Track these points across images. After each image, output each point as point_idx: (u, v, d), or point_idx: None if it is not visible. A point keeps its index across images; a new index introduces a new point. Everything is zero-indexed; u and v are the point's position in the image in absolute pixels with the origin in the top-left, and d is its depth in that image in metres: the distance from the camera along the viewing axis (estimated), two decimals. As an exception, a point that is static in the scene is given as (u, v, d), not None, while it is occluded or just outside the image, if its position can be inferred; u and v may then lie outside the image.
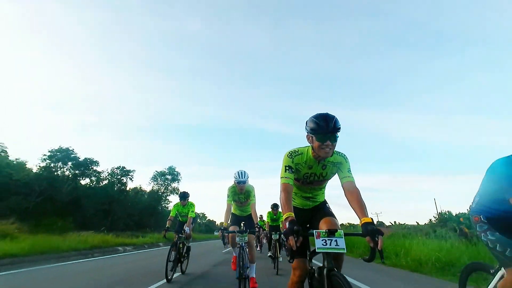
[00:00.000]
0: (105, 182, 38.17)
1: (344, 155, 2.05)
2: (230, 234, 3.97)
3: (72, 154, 33.67)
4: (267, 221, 8.45)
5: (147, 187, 44.17)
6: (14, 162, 28.05)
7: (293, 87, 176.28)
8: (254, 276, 4.05)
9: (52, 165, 32.50)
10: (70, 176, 34.19)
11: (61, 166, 33.39)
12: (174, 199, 43.76)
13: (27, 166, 29.44)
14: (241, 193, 4.18)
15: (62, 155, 32.97)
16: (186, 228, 5.29)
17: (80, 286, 4.51)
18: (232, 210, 4.45)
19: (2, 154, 27.38)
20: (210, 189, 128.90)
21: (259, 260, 5.91)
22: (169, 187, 44.46)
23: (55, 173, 32.71)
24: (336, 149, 1.98)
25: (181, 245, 5.30)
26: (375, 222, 2.37)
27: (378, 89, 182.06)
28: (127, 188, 40.12)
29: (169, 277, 4.62)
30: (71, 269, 6.31)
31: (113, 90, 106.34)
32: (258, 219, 8.42)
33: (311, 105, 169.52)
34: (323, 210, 2.26)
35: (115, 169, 39.22)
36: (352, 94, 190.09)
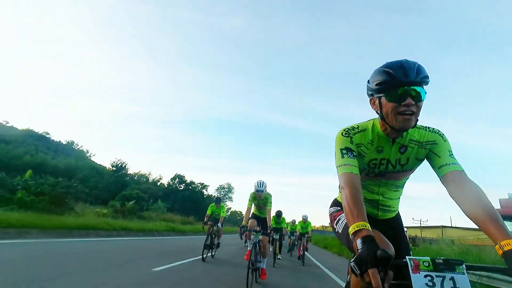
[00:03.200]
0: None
1: (439, 131, 1.28)
2: (247, 234, 5.03)
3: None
4: (272, 224, 9.38)
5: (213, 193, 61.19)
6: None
7: (324, 85, 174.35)
8: (265, 267, 4.88)
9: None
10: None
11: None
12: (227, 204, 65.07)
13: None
14: (260, 199, 5.04)
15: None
16: (219, 224, 7.06)
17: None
18: (253, 210, 5.38)
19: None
20: (237, 183, 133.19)
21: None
22: (226, 196, 63.94)
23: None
24: None
25: (213, 235, 7.10)
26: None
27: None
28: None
29: (204, 256, 6.47)
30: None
31: (153, 82, 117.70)
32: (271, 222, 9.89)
33: (344, 105, 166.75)
34: (397, 232, 1.48)
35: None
36: None
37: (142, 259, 5.85)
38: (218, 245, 7.42)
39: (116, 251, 7.08)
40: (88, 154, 47.96)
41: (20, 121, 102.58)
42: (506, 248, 0.83)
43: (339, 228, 1.37)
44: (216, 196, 7.98)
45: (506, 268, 0.81)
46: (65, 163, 41.11)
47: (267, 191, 5.04)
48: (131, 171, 43.73)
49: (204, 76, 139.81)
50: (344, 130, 1.29)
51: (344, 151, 1.21)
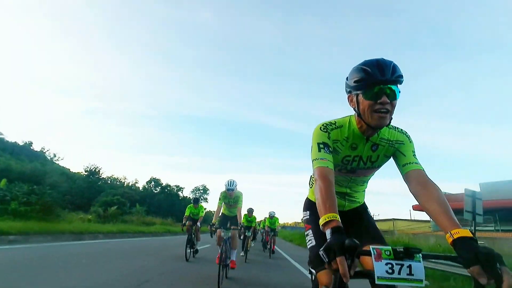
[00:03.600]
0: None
1: (406, 132, 1.37)
2: (217, 233, 4.76)
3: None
4: (243, 222, 9.57)
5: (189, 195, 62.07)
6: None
7: (300, 84, 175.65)
8: (234, 259, 5.09)
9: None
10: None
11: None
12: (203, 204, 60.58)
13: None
14: (230, 198, 5.13)
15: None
16: (198, 223, 7.18)
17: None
18: (222, 210, 5.43)
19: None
20: (212, 182, 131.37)
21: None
22: (201, 197, 65.57)
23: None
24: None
25: (193, 235, 7.04)
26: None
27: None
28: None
29: (187, 256, 6.42)
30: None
31: (120, 78, 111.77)
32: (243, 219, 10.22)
33: (317, 103, 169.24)
34: (365, 219, 1.59)
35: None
36: None
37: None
38: (196, 251, 7.24)
39: (127, 248, 8.57)
40: (56, 158, 46.06)
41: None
42: (455, 236, 0.89)
43: (308, 244, 1.49)
44: (193, 197, 8.61)
45: (456, 257, 0.88)
46: (31, 167, 39.52)
47: (237, 189, 5.11)
48: (104, 175, 43.17)
49: (176, 71, 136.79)
50: (322, 125, 1.31)
51: (321, 146, 1.24)
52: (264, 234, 12.65)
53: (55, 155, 46.25)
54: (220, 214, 5.32)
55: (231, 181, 4.99)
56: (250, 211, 10.17)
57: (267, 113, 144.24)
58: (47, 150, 46.34)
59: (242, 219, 7.30)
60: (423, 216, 26.92)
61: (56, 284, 3.52)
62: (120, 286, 3.66)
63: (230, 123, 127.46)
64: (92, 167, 40.27)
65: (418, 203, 1.16)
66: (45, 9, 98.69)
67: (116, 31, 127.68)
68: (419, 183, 1.19)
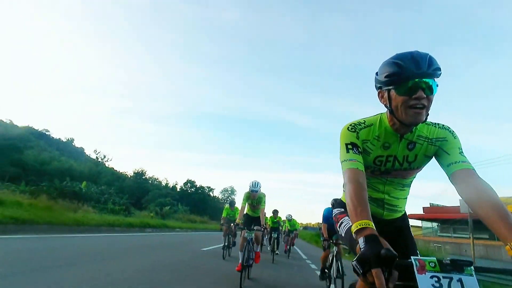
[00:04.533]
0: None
1: (449, 128, 1.22)
2: (242, 237, 4.61)
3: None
4: (269, 223, 10.21)
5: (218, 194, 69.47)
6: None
7: (325, 81, 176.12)
8: (259, 251, 5.12)
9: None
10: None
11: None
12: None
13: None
14: (254, 199, 5.04)
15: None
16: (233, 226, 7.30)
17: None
18: (246, 211, 5.37)
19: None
20: (234, 178, 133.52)
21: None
22: (229, 197, 69.21)
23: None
24: None
25: (230, 236, 7.28)
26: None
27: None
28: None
29: (224, 256, 6.84)
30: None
31: (147, 77, 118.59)
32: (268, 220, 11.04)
33: (341, 99, 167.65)
34: (405, 231, 1.44)
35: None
36: None
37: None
38: (234, 244, 7.63)
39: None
40: (105, 159, 53.06)
41: (18, 118, 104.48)
42: None
43: (342, 231, 1.35)
44: (229, 200, 9.87)
45: None
46: (88, 167, 46.16)
47: (261, 191, 5.09)
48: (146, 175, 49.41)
49: (200, 70, 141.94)
50: (350, 125, 1.24)
51: (350, 146, 1.17)
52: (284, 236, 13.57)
53: (105, 156, 53.04)
54: (243, 215, 5.32)
55: (255, 183, 4.94)
56: (275, 212, 10.30)
57: (290, 110, 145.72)
58: (99, 152, 53.08)
59: (265, 220, 6.90)
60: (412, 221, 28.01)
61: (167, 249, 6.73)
62: (154, 273, 4.06)
63: (254, 120, 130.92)
64: (140, 169, 47.03)
65: (471, 210, 1.01)
66: (75, 11, 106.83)
67: (142, 32, 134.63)
68: (469, 185, 1.01)
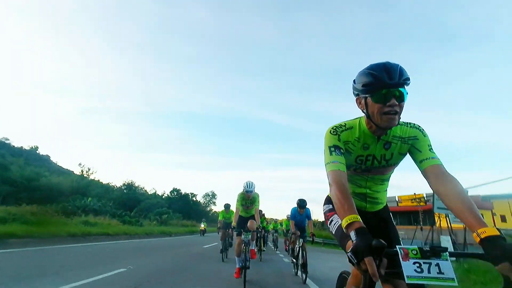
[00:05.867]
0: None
1: (419, 126, 1.37)
2: (237, 240, 4.71)
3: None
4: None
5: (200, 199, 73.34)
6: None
7: (298, 79, 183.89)
8: (254, 248, 5.43)
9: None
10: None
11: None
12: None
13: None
14: (248, 199, 5.18)
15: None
16: (230, 231, 7.68)
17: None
18: (239, 212, 5.33)
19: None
20: (212, 178, 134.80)
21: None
22: (210, 201, 78.16)
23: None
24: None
25: (227, 239, 7.80)
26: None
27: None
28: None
29: (223, 259, 7.32)
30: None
31: (116, 76, 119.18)
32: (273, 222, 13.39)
33: (315, 98, 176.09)
34: (387, 221, 1.58)
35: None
36: None
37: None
38: (231, 244, 7.98)
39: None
40: (90, 172, 55.31)
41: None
42: (482, 236, 0.90)
43: (333, 229, 1.50)
44: (224, 204, 11.92)
45: (483, 254, 0.89)
46: (76, 181, 48.42)
47: (255, 191, 5.11)
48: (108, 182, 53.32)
49: (174, 69, 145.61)
50: (332, 128, 1.36)
51: (332, 149, 1.29)
52: (275, 235, 13.78)
53: (89, 169, 55.30)
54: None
55: (250, 183, 5.00)
56: (260, 212, 10.15)
57: (265, 108, 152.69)
58: (83, 166, 55.24)
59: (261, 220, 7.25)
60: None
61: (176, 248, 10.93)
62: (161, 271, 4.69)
63: (229, 119, 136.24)
64: (129, 181, 51.62)
65: (441, 201, 1.13)
66: (38, 10, 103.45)
67: (110, 30, 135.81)
68: (438, 179, 1.17)
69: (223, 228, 8.11)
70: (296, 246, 5.72)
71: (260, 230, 7.78)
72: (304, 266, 5.02)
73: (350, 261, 0.91)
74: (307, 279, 4.95)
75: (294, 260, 5.79)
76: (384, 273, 0.89)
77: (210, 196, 76.86)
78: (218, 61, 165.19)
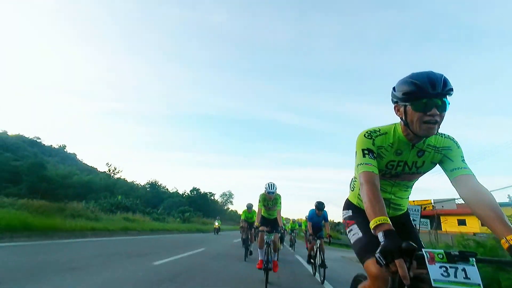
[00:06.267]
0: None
1: (453, 138, 1.40)
2: (260, 235, 4.79)
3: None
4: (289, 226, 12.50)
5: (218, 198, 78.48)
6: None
7: (311, 80, 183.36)
8: (276, 260, 5.18)
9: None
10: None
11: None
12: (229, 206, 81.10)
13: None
14: (270, 200, 5.16)
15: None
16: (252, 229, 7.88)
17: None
18: (261, 213, 5.37)
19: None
20: (228, 176, 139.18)
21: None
22: (227, 200, 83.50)
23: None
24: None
25: (249, 236, 8.08)
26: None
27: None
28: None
29: (246, 258, 7.34)
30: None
31: (138, 79, 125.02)
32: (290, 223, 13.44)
33: (328, 98, 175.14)
34: (408, 227, 1.60)
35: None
36: (371, 90, 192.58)
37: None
38: (251, 253, 7.89)
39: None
40: (117, 171, 59.16)
41: (9, 126, 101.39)
42: (511, 242, 0.93)
43: (352, 240, 1.48)
44: (247, 204, 8.98)
45: (511, 261, 0.93)
46: (105, 179, 52.12)
47: (277, 192, 5.12)
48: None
49: (191, 72, 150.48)
50: (366, 132, 1.39)
51: (366, 152, 1.32)
52: (292, 235, 13.82)
53: (115, 168, 59.14)
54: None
55: (271, 184, 5.03)
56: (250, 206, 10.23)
57: (280, 109, 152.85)
58: (110, 165, 59.15)
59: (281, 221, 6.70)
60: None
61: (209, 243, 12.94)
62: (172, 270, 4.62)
63: (244, 120, 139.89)
64: (153, 180, 55.83)
65: (471, 209, 1.15)
66: (66, 16, 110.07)
67: (132, 36, 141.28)
68: (469, 188, 1.20)
69: (245, 227, 8.52)
70: (314, 247, 5.83)
71: (282, 231, 8.02)
72: (322, 267, 5.11)
73: (377, 262, 0.91)
74: (325, 280, 4.96)
75: (312, 261, 5.93)
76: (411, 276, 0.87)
77: (227, 196, 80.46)
78: (233, 64, 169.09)
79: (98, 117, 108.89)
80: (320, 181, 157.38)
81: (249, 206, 8.94)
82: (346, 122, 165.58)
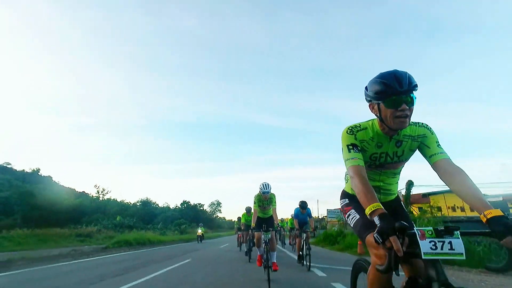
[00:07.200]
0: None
1: (427, 125, 1.53)
2: (256, 235, 5.04)
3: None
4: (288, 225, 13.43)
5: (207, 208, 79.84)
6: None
7: (287, 80, 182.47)
8: (275, 261, 4.99)
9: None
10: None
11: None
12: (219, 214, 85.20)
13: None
14: (265, 200, 5.35)
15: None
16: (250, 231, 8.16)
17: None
18: (257, 213, 5.50)
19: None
20: (212, 184, 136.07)
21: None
22: (216, 209, 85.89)
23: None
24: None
25: (250, 238, 8.30)
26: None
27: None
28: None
29: (250, 259, 7.77)
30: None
31: (108, 90, 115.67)
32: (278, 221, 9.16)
33: (303, 97, 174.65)
34: (399, 210, 1.75)
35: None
36: (347, 86, 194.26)
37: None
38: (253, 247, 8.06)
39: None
40: (105, 192, 59.54)
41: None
42: (488, 216, 1.06)
43: (351, 222, 1.65)
44: (246, 207, 9.21)
45: (490, 231, 1.06)
46: (95, 201, 52.72)
47: (271, 192, 5.25)
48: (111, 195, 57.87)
49: (165, 80, 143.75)
50: (348, 129, 1.52)
51: (350, 147, 1.45)
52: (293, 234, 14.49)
53: (104, 189, 59.73)
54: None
55: (265, 184, 5.17)
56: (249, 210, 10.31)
57: (259, 111, 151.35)
58: (98, 186, 59.64)
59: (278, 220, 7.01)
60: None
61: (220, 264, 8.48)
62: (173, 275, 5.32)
63: (223, 125, 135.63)
64: (145, 198, 58.39)
65: (452, 190, 1.28)
66: (24, 27, 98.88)
67: (98, 45, 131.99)
68: (447, 171, 1.32)
69: (245, 230, 8.88)
70: (302, 241, 6.55)
71: (278, 229, 8.54)
72: (308, 256, 5.82)
73: (375, 241, 1.03)
74: (311, 267, 5.77)
75: (300, 253, 6.62)
76: (404, 252, 0.98)
77: (216, 205, 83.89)
78: (208, 69, 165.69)
79: (68, 134, 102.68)
80: (304, 179, 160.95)
81: (248, 210, 9.23)
82: (326, 119, 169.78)
